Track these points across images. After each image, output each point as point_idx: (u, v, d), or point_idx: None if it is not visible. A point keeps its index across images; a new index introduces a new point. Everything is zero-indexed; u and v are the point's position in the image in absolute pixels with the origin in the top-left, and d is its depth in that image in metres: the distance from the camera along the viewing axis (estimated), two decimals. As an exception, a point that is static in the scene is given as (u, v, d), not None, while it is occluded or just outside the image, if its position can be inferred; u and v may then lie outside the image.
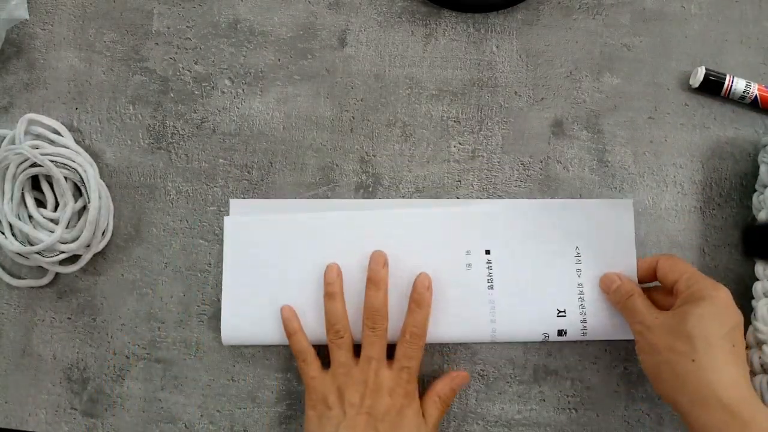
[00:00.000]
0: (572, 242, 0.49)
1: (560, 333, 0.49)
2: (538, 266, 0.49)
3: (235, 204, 0.51)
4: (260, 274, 0.49)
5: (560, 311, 0.49)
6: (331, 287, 0.48)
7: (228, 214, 0.51)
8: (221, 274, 0.51)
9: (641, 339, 0.44)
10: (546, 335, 0.49)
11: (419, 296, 0.47)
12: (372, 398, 0.45)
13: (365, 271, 0.48)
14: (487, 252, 0.49)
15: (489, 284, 0.49)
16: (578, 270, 0.49)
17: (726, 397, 0.39)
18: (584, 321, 0.49)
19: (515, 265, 0.49)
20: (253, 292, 0.49)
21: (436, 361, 0.50)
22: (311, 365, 0.47)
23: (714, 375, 0.39)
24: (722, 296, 0.42)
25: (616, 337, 0.49)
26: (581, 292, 0.49)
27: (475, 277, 0.49)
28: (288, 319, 0.48)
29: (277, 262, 0.49)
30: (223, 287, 0.49)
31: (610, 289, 0.48)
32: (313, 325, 0.48)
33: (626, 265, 0.49)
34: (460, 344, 0.50)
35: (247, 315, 0.49)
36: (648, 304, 0.45)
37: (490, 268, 0.49)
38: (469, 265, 0.49)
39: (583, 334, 0.49)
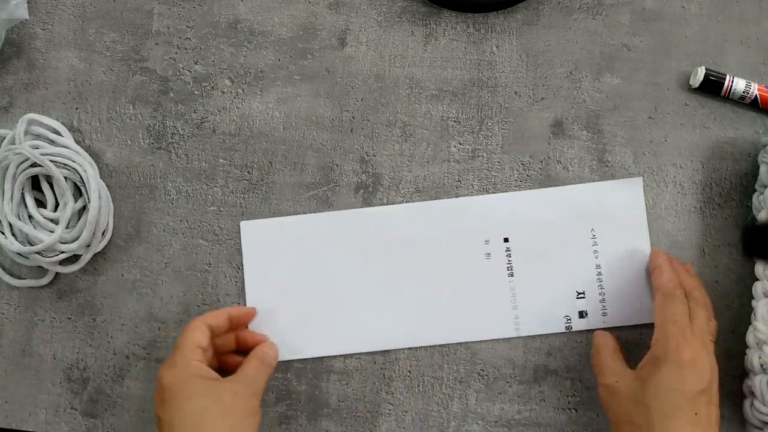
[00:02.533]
0: (587, 225, 0.50)
1: (581, 315, 0.49)
2: (555, 251, 0.50)
3: (245, 225, 0.51)
4: (281, 277, 0.50)
5: (579, 293, 0.49)
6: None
7: (232, 215, 0.51)
8: (221, 274, 0.51)
9: (603, 401, 0.43)
10: (568, 319, 0.49)
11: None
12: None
13: (384, 266, 0.50)
14: (506, 240, 0.50)
15: (509, 272, 0.49)
16: (595, 251, 0.50)
17: None
18: (604, 301, 0.49)
19: (533, 252, 0.50)
20: (275, 297, 0.50)
21: (436, 360, 0.50)
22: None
23: None
24: (686, 358, 0.39)
25: (638, 321, 0.49)
26: (599, 273, 0.49)
27: (494, 266, 0.50)
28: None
29: (296, 263, 0.50)
30: (246, 296, 0.50)
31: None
32: (326, 328, 0.50)
33: (639, 242, 0.49)
34: (460, 344, 0.50)
35: (275, 325, 0.50)
36: (615, 362, 0.43)
37: (509, 255, 0.50)
38: (488, 254, 0.50)
39: (604, 315, 0.49)
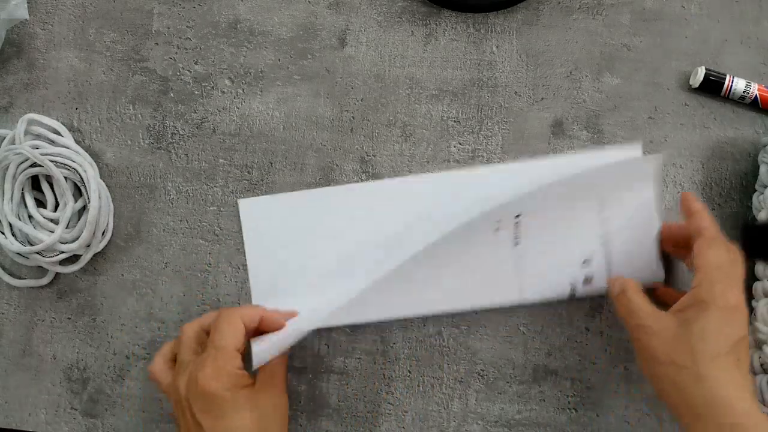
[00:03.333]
0: (594, 191, 0.49)
1: (586, 281, 0.49)
2: (562, 218, 0.49)
3: (244, 203, 0.51)
4: (282, 254, 0.50)
5: (585, 260, 0.49)
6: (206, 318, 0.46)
7: (232, 215, 0.51)
8: (221, 274, 0.51)
9: (638, 344, 0.42)
10: (573, 287, 0.49)
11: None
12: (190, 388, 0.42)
13: (388, 238, 0.49)
14: (516, 216, 0.49)
15: (516, 241, 0.49)
16: (602, 218, 0.49)
17: (731, 414, 0.37)
18: (609, 269, 0.49)
19: (541, 221, 0.49)
20: (278, 274, 0.50)
21: (436, 360, 0.50)
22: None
23: (718, 392, 0.38)
24: (732, 303, 0.40)
25: (644, 282, 0.48)
26: (605, 242, 0.49)
27: (502, 236, 0.49)
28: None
29: (298, 238, 0.50)
30: (250, 276, 0.50)
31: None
32: (328, 302, 0.49)
33: (646, 208, 0.48)
34: (460, 344, 0.50)
35: (279, 301, 0.49)
36: (646, 302, 0.43)
37: (517, 224, 0.49)
38: (497, 228, 0.49)
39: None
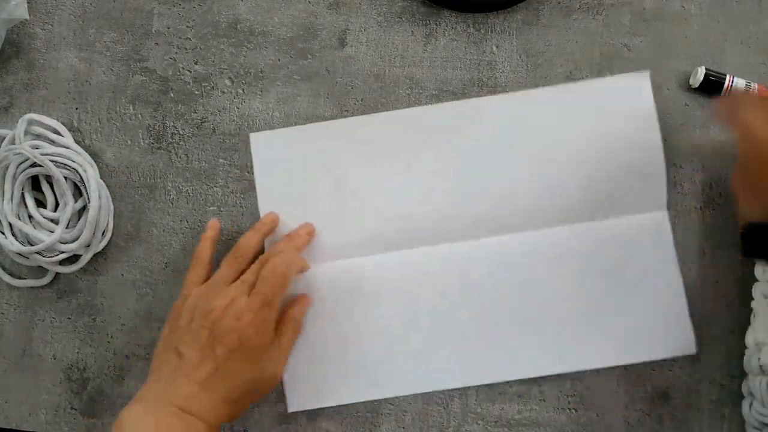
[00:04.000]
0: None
1: None
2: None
3: (255, 137, 0.51)
4: (295, 189, 0.50)
5: None
6: (261, 226, 0.48)
7: (232, 215, 0.51)
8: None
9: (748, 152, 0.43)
10: None
11: (295, 233, 0.48)
12: (217, 315, 0.44)
13: (401, 171, 0.50)
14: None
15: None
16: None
17: None
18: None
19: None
20: (289, 210, 0.50)
21: (436, 361, 0.50)
22: (197, 271, 0.47)
23: None
24: None
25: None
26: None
27: (512, 159, 0.50)
28: (208, 228, 0.49)
29: (311, 172, 0.50)
30: (260, 213, 0.50)
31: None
32: (333, 238, 0.49)
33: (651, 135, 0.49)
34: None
35: (286, 231, 0.49)
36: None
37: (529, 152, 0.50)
38: (508, 153, 0.50)
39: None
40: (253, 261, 0.47)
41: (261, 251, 0.49)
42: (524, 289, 0.49)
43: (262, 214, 0.50)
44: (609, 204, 0.49)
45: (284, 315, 0.47)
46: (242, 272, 0.47)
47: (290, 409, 0.49)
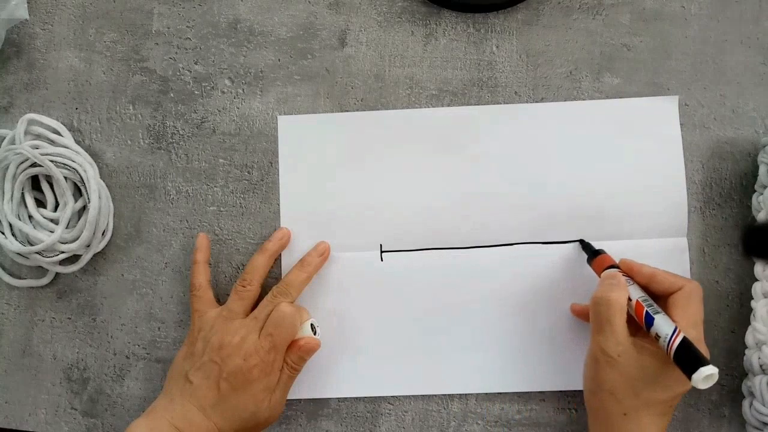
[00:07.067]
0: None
1: None
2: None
3: (283, 120, 0.51)
4: (318, 175, 0.50)
5: None
6: (270, 244, 0.49)
7: (232, 215, 0.51)
8: (221, 274, 0.51)
9: (595, 363, 0.43)
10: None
11: (307, 258, 0.49)
12: (228, 353, 0.45)
13: (424, 168, 0.50)
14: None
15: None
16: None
17: None
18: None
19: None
20: (311, 196, 0.50)
21: (436, 361, 0.50)
22: (201, 299, 0.48)
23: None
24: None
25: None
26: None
27: (537, 166, 0.50)
28: (197, 249, 0.49)
29: (337, 160, 0.50)
30: (281, 196, 0.51)
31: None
32: (343, 229, 0.50)
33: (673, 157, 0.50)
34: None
35: (305, 218, 0.50)
36: (624, 329, 0.42)
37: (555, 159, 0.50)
38: (533, 156, 0.50)
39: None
40: (261, 280, 0.48)
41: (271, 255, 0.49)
42: (532, 300, 0.49)
43: (282, 194, 0.51)
44: (628, 225, 0.49)
45: (287, 359, 0.47)
46: (253, 300, 0.48)
47: (288, 396, 0.49)
